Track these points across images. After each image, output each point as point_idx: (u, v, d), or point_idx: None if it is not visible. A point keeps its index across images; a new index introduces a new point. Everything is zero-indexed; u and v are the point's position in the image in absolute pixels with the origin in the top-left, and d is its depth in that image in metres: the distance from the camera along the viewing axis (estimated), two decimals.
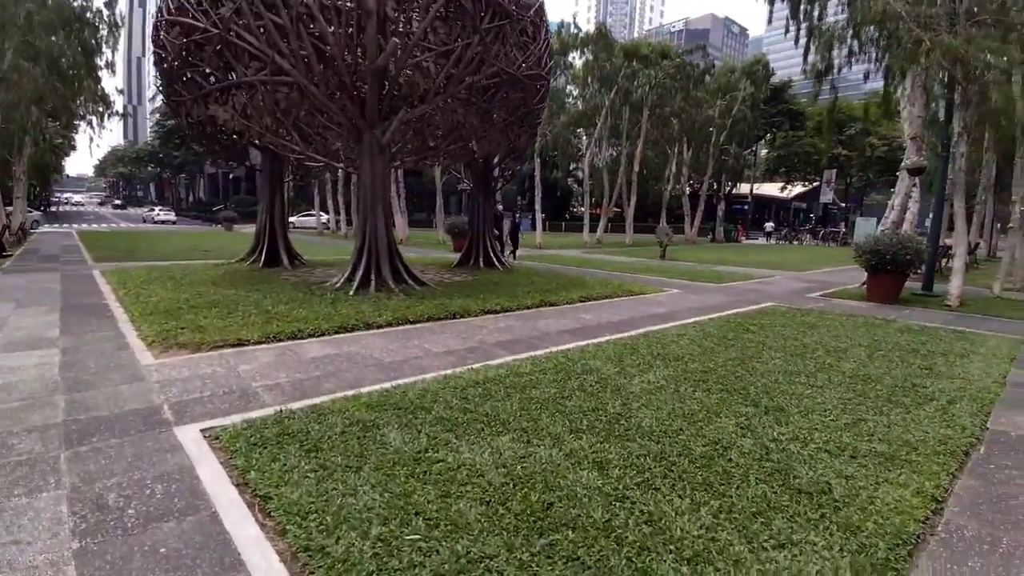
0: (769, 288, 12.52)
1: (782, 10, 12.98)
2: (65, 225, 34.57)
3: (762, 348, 6.25)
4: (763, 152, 47.76)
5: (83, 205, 73.71)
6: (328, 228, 36.01)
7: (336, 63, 7.93)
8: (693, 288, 11.86)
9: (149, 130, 78.80)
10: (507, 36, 9.53)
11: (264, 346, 5.69)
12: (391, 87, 8.42)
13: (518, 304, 8.42)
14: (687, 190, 36.59)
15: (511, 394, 4.32)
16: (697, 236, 36.85)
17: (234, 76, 8.13)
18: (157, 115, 64.79)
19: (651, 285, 12.02)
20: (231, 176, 66.60)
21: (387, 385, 4.50)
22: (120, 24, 18.73)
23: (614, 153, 35.87)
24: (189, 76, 8.67)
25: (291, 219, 40.63)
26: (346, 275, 8.78)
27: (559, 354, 5.69)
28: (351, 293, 8.22)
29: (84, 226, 34.27)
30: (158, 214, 44.10)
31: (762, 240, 40.73)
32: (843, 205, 47.92)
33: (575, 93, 31.72)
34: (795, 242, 38.99)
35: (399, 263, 9.11)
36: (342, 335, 6.31)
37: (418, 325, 7.02)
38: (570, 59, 29.04)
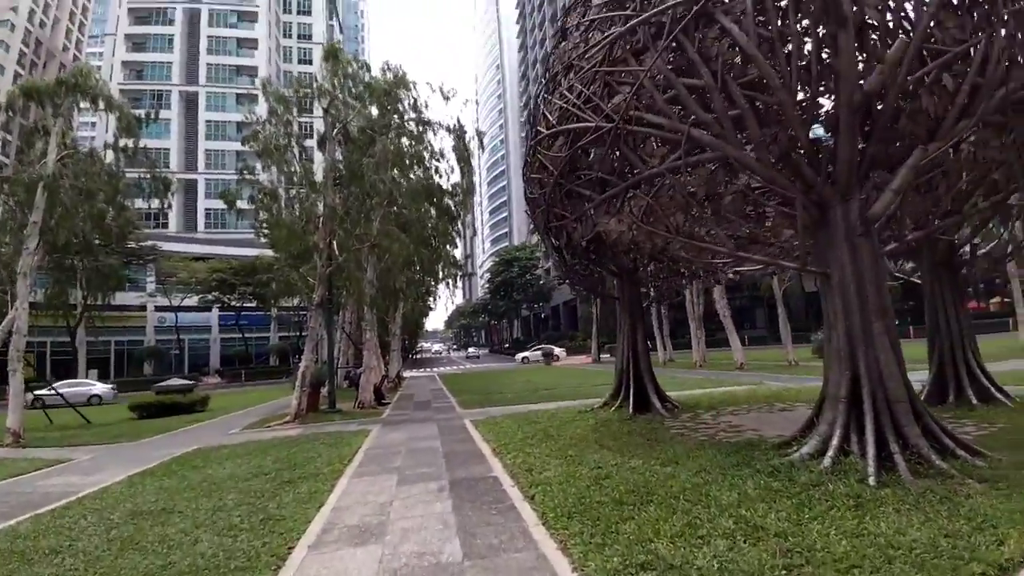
0: None
1: None
2: (429, 369, 41.85)
3: None
4: None
5: (440, 353, 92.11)
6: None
7: (783, 115, 5.28)
8: None
9: (481, 289, 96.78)
10: None
11: None
12: (875, 127, 5.25)
13: None
14: None
15: None
16: None
17: (632, 175, 6.28)
18: (487, 274, 78.94)
19: None
20: (542, 316, 74.21)
21: None
22: (472, 191, 21.61)
23: None
24: (572, 195, 7.34)
25: (524, 353, 40.80)
26: (836, 441, 5.05)
27: None
28: (869, 480, 4.47)
29: (441, 369, 40.89)
30: (470, 353, 70.85)
31: None
32: None
33: None
34: None
35: (930, 419, 5.04)
36: None
37: None
38: None
